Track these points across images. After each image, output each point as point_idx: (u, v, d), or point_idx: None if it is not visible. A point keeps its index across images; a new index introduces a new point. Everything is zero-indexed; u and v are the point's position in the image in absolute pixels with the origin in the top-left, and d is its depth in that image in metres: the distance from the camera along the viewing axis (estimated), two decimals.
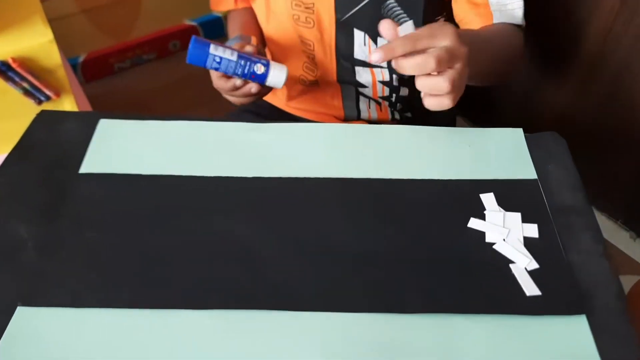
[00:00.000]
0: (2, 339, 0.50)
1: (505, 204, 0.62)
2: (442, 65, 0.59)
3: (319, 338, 0.50)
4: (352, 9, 0.85)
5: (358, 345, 0.50)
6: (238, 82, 0.79)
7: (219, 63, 0.76)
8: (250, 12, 0.97)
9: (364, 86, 0.93)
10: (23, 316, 0.51)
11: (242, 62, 0.77)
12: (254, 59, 0.78)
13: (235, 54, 0.76)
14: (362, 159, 0.67)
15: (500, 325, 0.52)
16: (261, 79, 0.79)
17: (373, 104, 0.96)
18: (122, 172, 0.65)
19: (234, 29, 0.97)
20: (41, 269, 0.55)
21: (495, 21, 0.83)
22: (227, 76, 0.79)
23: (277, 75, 0.79)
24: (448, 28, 0.61)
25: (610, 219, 1.31)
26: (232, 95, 0.82)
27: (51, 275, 0.54)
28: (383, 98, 0.94)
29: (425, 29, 0.60)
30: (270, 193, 0.63)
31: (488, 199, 0.63)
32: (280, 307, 0.52)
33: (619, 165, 1.20)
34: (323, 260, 0.56)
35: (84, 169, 0.65)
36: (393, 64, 0.61)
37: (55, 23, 1.05)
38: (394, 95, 0.93)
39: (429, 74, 0.61)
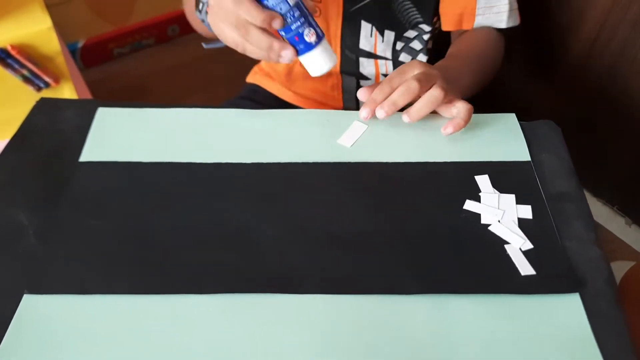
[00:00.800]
0: (9, 326, 0.51)
1: (500, 186, 0.63)
2: (423, 83, 0.64)
3: (317, 320, 0.51)
4: (363, 0, 0.85)
5: (356, 327, 0.51)
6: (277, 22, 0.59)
7: None
8: None
9: (366, 78, 0.93)
10: (30, 304, 0.52)
11: (297, 14, 0.58)
12: (311, 19, 0.60)
13: None
14: (359, 143, 0.68)
15: (495, 305, 0.53)
16: (303, 49, 0.61)
17: None
18: (121, 160, 0.66)
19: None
20: (46, 256, 0.56)
21: (478, 24, 0.85)
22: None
23: (322, 59, 0.62)
24: (414, 62, 0.68)
25: (606, 205, 1.32)
26: (254, 39, 0.61)
27: (56, 263, 0.55)
28: None
29: (394, 72, 0.67)
30: (269, 179, 0.64)
31: (483, 181, 0.64)
32: (279, 291, 0.53)
33: (615, 152, 1.20)
34: (321, 243, 0.57)
35: (84, 157, 0.66)
36: (382, 113, 0.66)
37: (54, 9, 1.05)
38: None
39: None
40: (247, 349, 0.49)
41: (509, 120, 0.71)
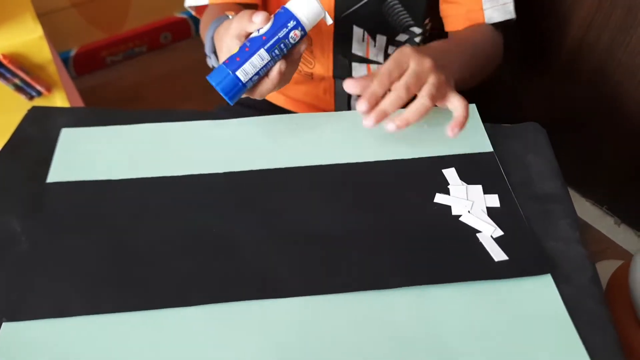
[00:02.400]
0: None
1: (467, 178, 0.65)
2: (413, 87, 0.63)
3: (303, 322, 0.52)
4: (353, 5, 0.85)
5: (343, 326, 0.52)
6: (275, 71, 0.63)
7: (257, 72, 0.61)
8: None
9: None
10: (9, 331, 0.51)
11: (276, 51, 0.60)
12: (280, 34, 0.61)
13: (263, 52, 0.60)
14: (328, 145, 0.69)
15: (473, 291, 0.55)
16: (303, 32, 0.62)
17: None
18: (90, 178, 0.64)
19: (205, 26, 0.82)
20: (24, 281, 0.54)
21: (489, 19, 0.85)
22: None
23: (311, 9, 0.61)
24: (408, 51, 0.64)
25: (595, 205, 1.33)
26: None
27: (34, 288, 0.54)
28: None
29: (391, 63, 0.64)
30: (242, 186, 0.64)
31: (450, 174, 0.66)
32: (265, 296, 0.54)
33: (604, 152, 1.21)
34: (300, 245, 0.58)
35: (52, 178, 0.65)
36: (371, 122, 0.63)
37: (46, 17, 1.05)
38: None
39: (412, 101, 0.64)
40: (236, 358, 0.50)
41: (470, 111, 0.70)
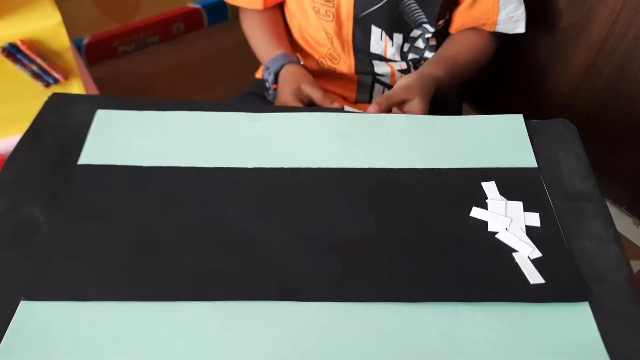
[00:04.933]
0: (6, 333, 0.50)
1: (507, 193, 0.63)
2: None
3: (321, 329, 0.51)
4: (372, 6, 0.87)
5: (362, 336, 0.50)
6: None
7: None
8: (268, 15, 0.98)
9: (382, 76, 0.95)
10: (26, 310, 0.51)
11: None
12: None
13: None
14: (363, 148, 0.67)
15: (504, 313, 0.53)
16: None
17: (387, 91, 0.97)
18: (121, 163, 0.64)
19: (260, 31, 0.97)
20: (44, 261, 0.55)
21: (497, 30, 0.91)
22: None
23: None
24: (414, 89, 0.79)
25: (614, 205, 1.31)
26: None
27: (53, 269, 0.54)
28: None
29: (400, 91, 0.79)
30: (272, 184, 0.63)
31: (490, 188, 0.63)
32: (282, 298, 0.52)
33: (623, 151, 1.20)
34: (326, 250, 0.57)
35: (83, 160, 0.65)
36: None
37: (59, 5, 1.04)
38: None
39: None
40: (249, 357, 0.49)
41: (516, 123, 0.70)
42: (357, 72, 0.95)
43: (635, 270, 1.13)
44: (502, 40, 0.95)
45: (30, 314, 0.51)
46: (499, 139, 0.68)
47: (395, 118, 0.71)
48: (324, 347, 0.49)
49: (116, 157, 0.65)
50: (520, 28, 0.90)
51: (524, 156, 0.67)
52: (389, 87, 0.96)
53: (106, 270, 0.54)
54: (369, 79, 0.96)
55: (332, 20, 0.89)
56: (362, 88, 0.97)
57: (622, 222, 1.31)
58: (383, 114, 0.73)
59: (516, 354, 0.50)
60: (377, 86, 0.96)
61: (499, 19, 0.88)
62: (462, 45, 0.90)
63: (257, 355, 0.49)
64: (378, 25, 0.89)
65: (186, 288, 0.53)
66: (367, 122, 0.71)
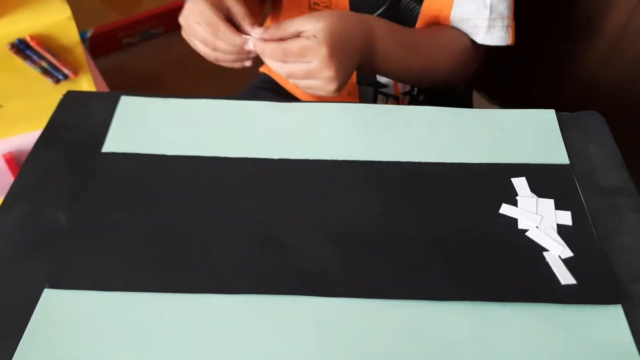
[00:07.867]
0: (30, 320, 0.50)
1: (538, 190, 0.61)
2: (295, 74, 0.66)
3: (346, 325, 0.50)
4: (371, 14, 0.82)
5: (389, 333, 0.49)
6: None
7: None
8: None
9: (384, 86, 0.92)
10: (50, 298, 0.51)
11: None
12: None
13: None
14: (389, 140, 0.66)
15: (535, 314, 0.51)
16: None
17: (391, 101, 0.94)
18: (145, 151, 0.64)
19: None
20: (67, 251, 0.55)
21: (482, 40, 0.79)
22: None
23: None
24: (323, 50, 0.64)
25: None
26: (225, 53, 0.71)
27: (77, 258, 0.54)
28: (405, 93, 0.93)
29: (297, 45, 0.65)
30: (297, 176, 0.62)
31: (520, 184, 0.61)
32: (306, 293, 0.52)
33: None
34: (352, 244, 0.56)
35: (107, 148, 0.64)
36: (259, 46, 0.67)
37: None
38: (415, 88, 0.92)
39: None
40: (272, 352, 0.48)
41: (548, 118, 0.69)
42: (358, 82, 0.92)
43: None
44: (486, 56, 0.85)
45: (54, 302, 0.51)
46: (530, 134, 0.67)
47: (421, 109, 0.70)
48: (349, 343, 0.49)
49: (140, 145, 0.64)
50: (480, 38, 0.78)
51: (555, 152, 0.65)
52: (393, 97, 0.94)
53: (129, 260, 0.54)
54: (370, 90, 0.93)
55: None
56: (364, 101, 0.94)
57: None
58: (409, 107, 0.71)
59: (545, 354, 0.49)
60: (379, 97, 0.94)
61: (452, 14, 0.79)
62: (433, 33, 0.80)
63: (281, 350, 0.48)
64: None
65: (209, 280, 0.52)
66: (390, 114, 0.69)
